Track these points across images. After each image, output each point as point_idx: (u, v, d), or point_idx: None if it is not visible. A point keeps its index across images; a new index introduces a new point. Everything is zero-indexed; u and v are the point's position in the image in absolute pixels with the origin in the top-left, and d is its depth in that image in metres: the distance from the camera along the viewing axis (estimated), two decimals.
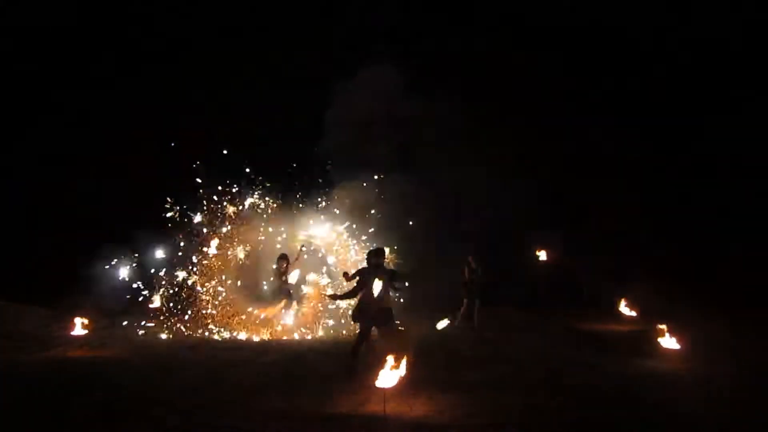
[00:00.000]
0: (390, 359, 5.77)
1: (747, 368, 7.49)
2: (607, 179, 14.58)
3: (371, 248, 7.94)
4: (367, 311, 7.20)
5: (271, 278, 10.17)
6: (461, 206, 13.15)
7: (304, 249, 10.42)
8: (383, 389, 5.62)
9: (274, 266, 10.04)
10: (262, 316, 10.13)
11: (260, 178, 11.01)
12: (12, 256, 12.58)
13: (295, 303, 10.28)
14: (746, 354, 8.27)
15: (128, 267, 10.60)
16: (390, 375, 5.69)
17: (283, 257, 10.01)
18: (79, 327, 9.46)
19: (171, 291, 10.27)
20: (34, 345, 8.67)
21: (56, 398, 5.88)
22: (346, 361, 7.24)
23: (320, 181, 11.63)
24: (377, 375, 5.74)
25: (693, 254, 13.38)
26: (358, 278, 7.34)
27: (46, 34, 14.62)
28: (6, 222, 13.08)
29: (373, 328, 7.40)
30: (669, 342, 8.48)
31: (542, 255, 11.84)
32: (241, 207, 10.78)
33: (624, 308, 11.52)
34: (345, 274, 7.60)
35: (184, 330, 10.01)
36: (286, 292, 10.01)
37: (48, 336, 9.44)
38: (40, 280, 11.96)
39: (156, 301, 10.29)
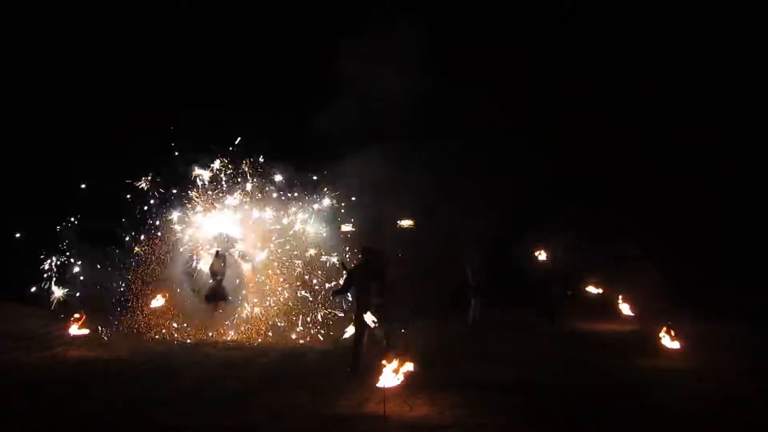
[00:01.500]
0: (390, 359, 5.77)
1: (746, 367, 7.49)
2: (607, 179, 14.57)
3: (369, 249, 7.82)
4: (364, 312, 7.20)
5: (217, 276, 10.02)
6: (462, 205, 13.10)
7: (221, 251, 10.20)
8: (383, 389, 5.62)
9: (215, 266, 9.94)
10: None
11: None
12: (12, 255, 12.55)
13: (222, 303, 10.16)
14: (746, 353, 8.27)
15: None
16: (390, 375, 5.70)
17: (219, 255, 9.98)
18: (78, 327, 9.43)
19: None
20: (34, 345, 8.67)
21: (56, 398, 5.89)
22: (347, 360, 7.25)
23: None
24: (377, 375, 5.75)
25: (693, 254, 13.36)
26: (349, 275, 7.36)
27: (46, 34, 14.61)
28: (5, 222, 13.06)
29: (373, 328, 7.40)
30: (669, 341, 8.49)
31: (542, 255, 11.84)
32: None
33: (624, 308, 11.51)
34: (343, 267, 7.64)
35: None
36: (221, 290, 10.00)
37: (48, 336, 9.43)
38: (40, 280, 11.92)
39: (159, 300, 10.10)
